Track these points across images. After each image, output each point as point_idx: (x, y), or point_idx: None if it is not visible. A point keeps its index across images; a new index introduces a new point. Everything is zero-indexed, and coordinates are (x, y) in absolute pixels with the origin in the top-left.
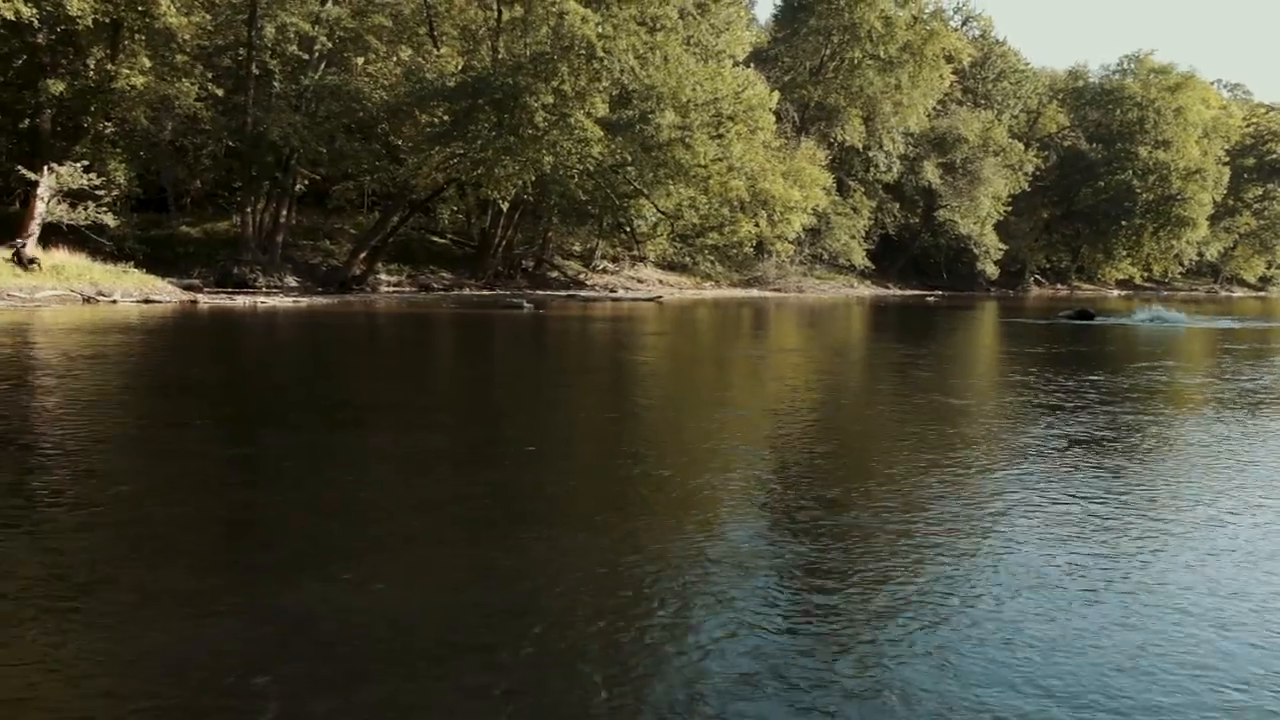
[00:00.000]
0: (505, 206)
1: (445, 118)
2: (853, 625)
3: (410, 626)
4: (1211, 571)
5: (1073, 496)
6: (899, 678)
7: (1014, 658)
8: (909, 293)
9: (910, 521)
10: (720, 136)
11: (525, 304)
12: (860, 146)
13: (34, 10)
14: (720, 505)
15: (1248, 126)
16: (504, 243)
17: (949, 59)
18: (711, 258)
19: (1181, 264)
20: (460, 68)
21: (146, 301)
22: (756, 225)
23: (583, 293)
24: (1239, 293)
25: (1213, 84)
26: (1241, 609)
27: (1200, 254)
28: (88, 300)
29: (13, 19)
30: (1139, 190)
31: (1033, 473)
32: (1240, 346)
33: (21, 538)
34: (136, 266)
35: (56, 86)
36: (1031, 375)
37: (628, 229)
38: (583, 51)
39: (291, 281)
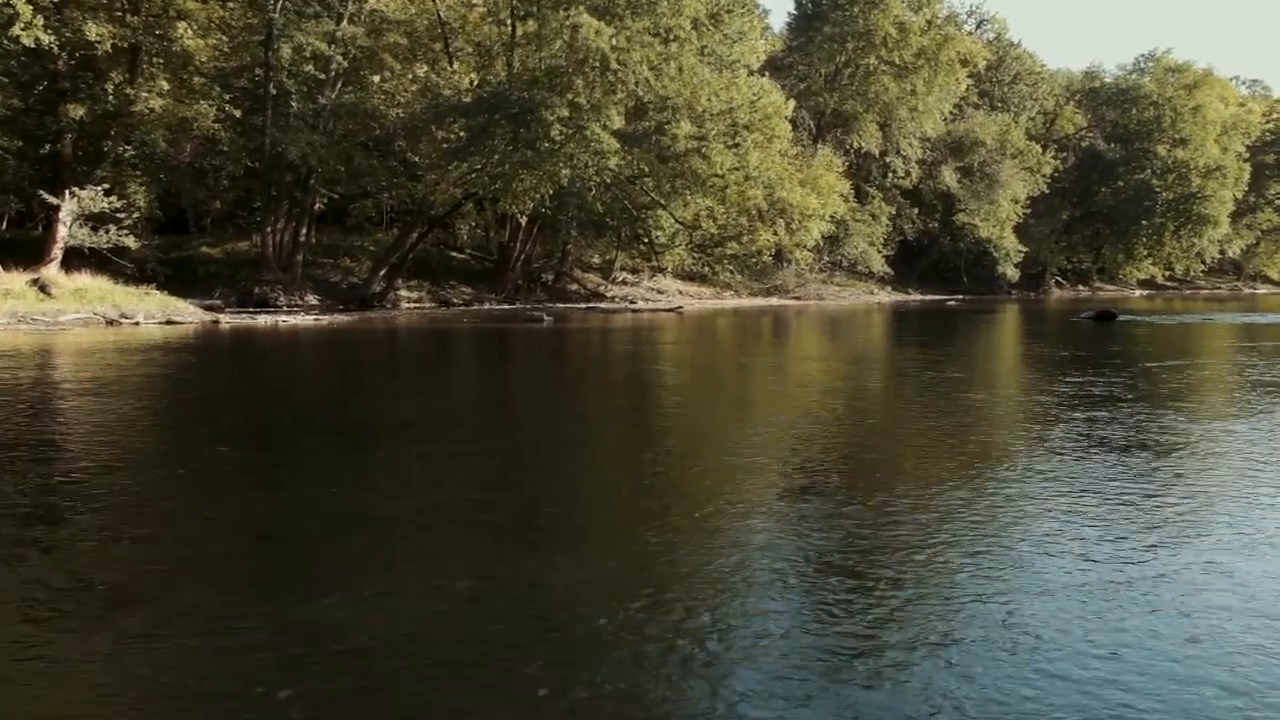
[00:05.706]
0: (523, 220)
1: (462, 133)
2: (877, 637)
3: (432, 639)
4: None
5: (1105, 500)
6: (931, 697)
7: (1053, 669)
8: (929, 298)
9: (943, 532)
10: (736, 146)
11: (545, 317)
12: (877, 152)
13: (53, 37)
14: (744, 518)
15: (1268, 123)
16: (523, 256)
17: (964, 63)
18: (730, 267)
19: (1204, 262)
20: (475, 83)
21: (169, 323)
22: (775, 234)
23: (602, 305)
24: (1263, 289)
25: (1231, 80)
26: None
27: (1222, 252)
28: (111, 323)
29: (33, 46)
30: (1159, 189)
31: (1074, 475)
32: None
33: (47, 555)
34: (158, 288)
35: (76, 111)
36: (1059, 376)
37: (646, 240)
38: (597, 64)
39: (312, 300)
